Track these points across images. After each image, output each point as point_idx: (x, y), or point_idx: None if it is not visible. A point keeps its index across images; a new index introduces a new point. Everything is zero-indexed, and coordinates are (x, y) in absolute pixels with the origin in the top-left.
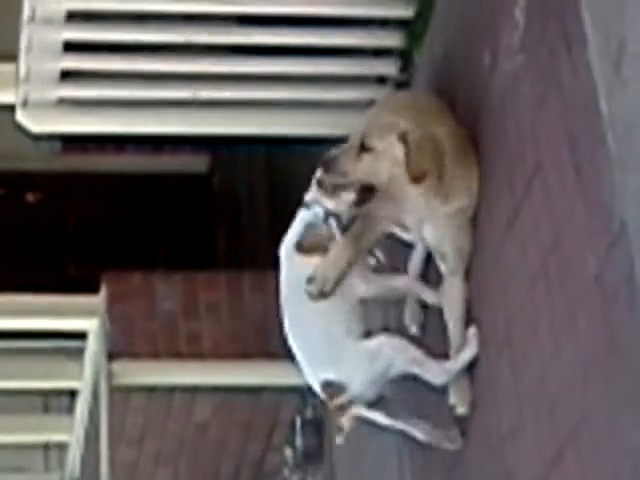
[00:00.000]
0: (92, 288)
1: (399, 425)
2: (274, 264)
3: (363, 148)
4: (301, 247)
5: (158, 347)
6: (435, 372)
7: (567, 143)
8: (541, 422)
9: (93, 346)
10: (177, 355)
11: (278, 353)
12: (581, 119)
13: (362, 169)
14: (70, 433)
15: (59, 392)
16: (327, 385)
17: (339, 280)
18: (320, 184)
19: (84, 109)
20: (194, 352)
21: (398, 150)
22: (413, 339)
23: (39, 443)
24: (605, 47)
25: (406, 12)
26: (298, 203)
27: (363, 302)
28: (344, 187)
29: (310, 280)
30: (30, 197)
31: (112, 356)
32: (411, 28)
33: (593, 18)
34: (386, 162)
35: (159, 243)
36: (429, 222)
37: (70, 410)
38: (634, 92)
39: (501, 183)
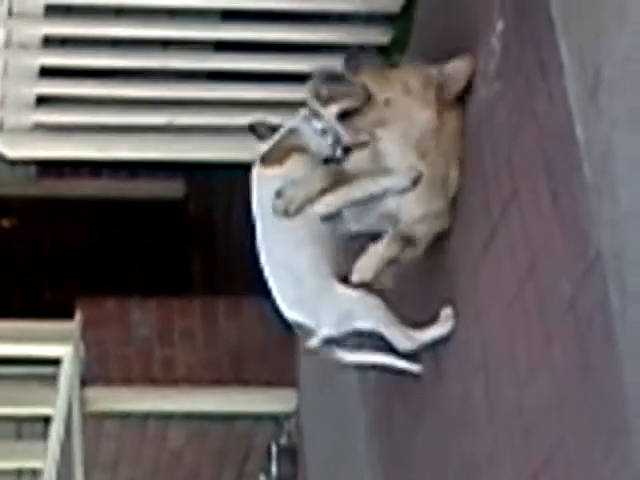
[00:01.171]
0: (67, 314)
1: (363, 357)
2: (250, 291)
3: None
4: (264, 160)
5: (132, 373)
6: (400, 338)
7: (543, 169)
8: (516, 447)
9: (67, 372)
10: (151, 381)
11: (252, 380)
12: (557, 146)
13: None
14: (43, 460)
15: (32, 418)
16: (297, 326)
17: (305, 203)
18: (317, 93)
19: (60, 134)
20: (168, 378)
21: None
22: (389, 300)
23: (12, 470)
24: (581, 74)
25: (383, 38)
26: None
27: (341, 244)
28: (341, 98)
29: (278, 194)
30: (5, 222)
31: (86, 382)
32: (388, 55)
33: (569, 45)
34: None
35: (134, 268)
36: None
37: (44, 436)
38: (610, 119)
39: (478, 208)
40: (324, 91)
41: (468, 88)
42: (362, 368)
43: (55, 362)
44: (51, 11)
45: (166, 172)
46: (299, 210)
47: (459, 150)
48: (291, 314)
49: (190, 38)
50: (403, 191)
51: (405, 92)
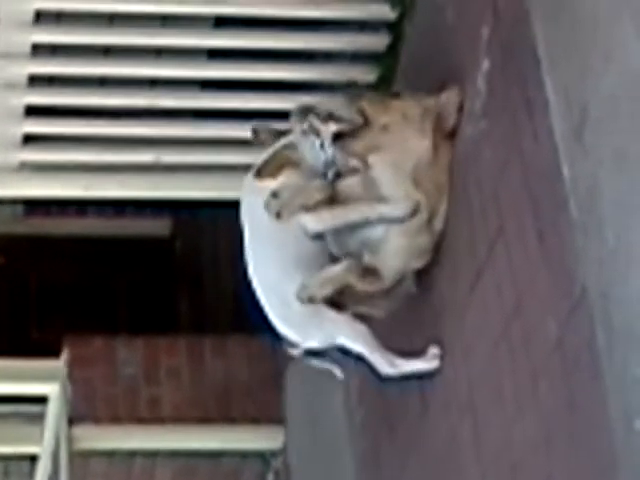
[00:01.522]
0: (54, 352)
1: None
2: (237, 329)
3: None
4: (259, 173)
5: (119, 412)
6: (384, 364)
7: (529, 207)
8: None
9: (54, 410)
10: (138, 420)
11: (239, 418)
12: (543, 184)
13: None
14: None
15: (19, 457)
16: (285, 339)
17: (299, 211)
18: (314, 111)
19: (46, 173)
20: (155, 416)
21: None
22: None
23: None
24: (567, 113)
25: (369, 77)
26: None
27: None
28: (339, 118)
29: (274, 195)
30: None
31: (73, 421)
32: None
33: (555, 84)
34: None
35: (121, 307)
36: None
37: (30, 475)
38: (596, 158)
39: (464, 246)
40: (324, 109)
41: (456, 125)
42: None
43: (42, 400)
44: (37, 50)
45: (153, 210)
46: (291, 215)
47: (449, 185)
48: (281, 329)
49: (177, 77)
50: (399, 220)
51: (403, 120)
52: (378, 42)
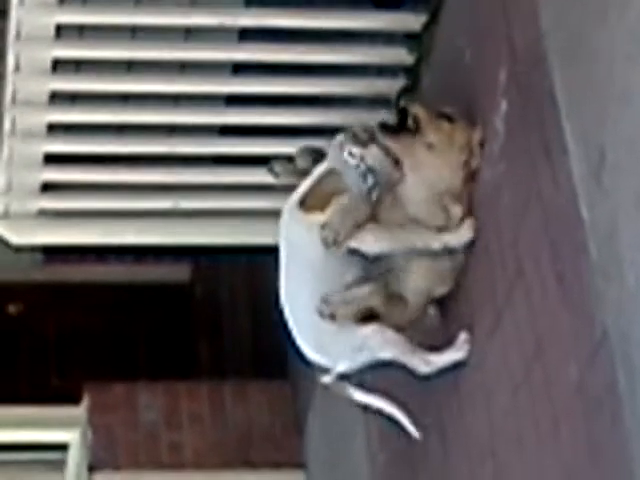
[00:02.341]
0: (74, 399)
1: (373, 400)
2: (256, 373)
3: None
4: (304, 204)
5: (140, 458)
6: (419, 364)
7: (549, 250)
8: None
9: (74, 458)
10: (159, 466)
11: (261, 463)
12: (562, 227)
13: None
14: None
15: None
16: (317, 366)
17: (353, 231)
18: (354, 135)
19: (65, 220)
20: (176, 463)
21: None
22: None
23: None
24: (585, 155)
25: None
26: (280, 312)
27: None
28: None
29: (324, 226)
30: (11, 308)
31: (93, 468)
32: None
33: (573, 128)
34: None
35: (141, 353)
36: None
37: None
38: (615, 201)
39: (482, 290)
40: (363, 134)
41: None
42: (367, 416)
43: (62, 447)
44: (55, 98)
45: (172, 256)
46: (348, 238)
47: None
48: (313, 356)
49: (195, 123)
50: (458, 250)
51: (449, 146)
52: (396, 86)
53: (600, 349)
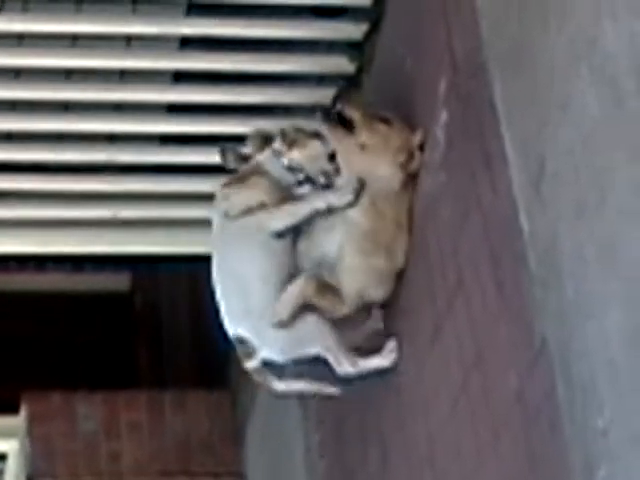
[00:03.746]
0: (12, 408)
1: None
2: (196, 382)
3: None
4: (227, 184)
5: (79, 468)
6: (344, 362)
7: (488, 260)
8: None
9: (13, 468)
10: (98, 475)
11: (200, 472)
12: (502, 237)
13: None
14: None
15: None
16: (240, 341)
17: (245, 210)
18: (283, 136)
19: (4, 229)
20: (115, 472)
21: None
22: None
23: None
24: (525, 165)
25: None
26: (220, 322)
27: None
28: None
29: (223, 197)
30: None
31: (32, 477)
32: None
33: (513, 137)
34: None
35: (80, 362)
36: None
37: None
38: (554, 211)
39: (423, 300)
40: (291, 135)
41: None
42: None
43: (1, 457)
44: None
45: (112, 266)
46: (239, 215)
47: (409, 226)
48: (236, 329)
49: (135, 132)
50: (347, 206)
51: (384, 147)
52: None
53: (539, 358)
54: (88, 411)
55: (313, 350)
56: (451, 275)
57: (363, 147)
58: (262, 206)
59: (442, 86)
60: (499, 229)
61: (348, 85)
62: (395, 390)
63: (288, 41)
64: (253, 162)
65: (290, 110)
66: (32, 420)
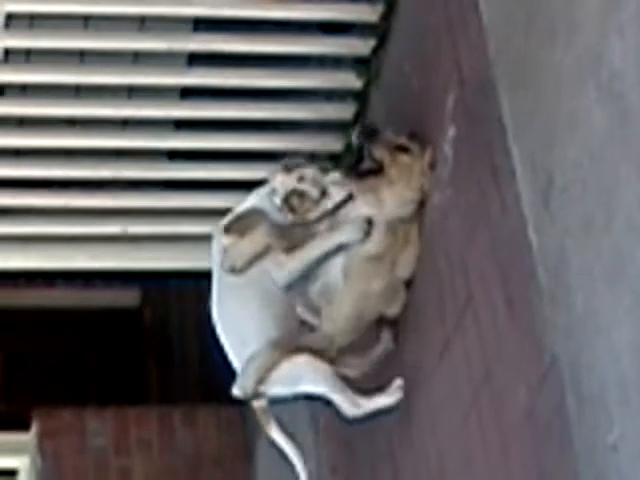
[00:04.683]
0: (23, 425)
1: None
2: (205, 398)
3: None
4: (227, 229)
5: None
6: (348, 404)
7: (498, 276)
8: None
9: None
10: None
11: None
12: (511, 252)
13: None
14: None
15: None
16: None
17: (252, 260)
18: (286, 167)
19: (13, 245)
20: None
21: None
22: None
23: None
24: (533, 181)
25: (335, 145)
26: None
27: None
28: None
29: (225, 251)
30: None
31: None
32: (341, 162)
33: (521, 152)
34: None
35: (90, 378)
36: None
37: None
38: (563, 226)
39: (432, 316)
40: (291, 164)
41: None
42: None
43: (11, 474)
44: (2, 123)
45: (121, 281)
46: (246, 266)
47: (418, 240)
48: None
49: (143, 148)
50: (358, 242)
51: (408, 175)
52: (344, 111)
53: (549, 374)
54: (98, 427)
55: (315, 390)
56: (460, 290)
57: (391, 182)
58: (268, 249)
59: (450, 102)
60: (508, 244)
61: (368, 126)
62: (404, 406)
63: (296, 57)
64: (249, 207)
65: (299, 126)
66: (42, 436)
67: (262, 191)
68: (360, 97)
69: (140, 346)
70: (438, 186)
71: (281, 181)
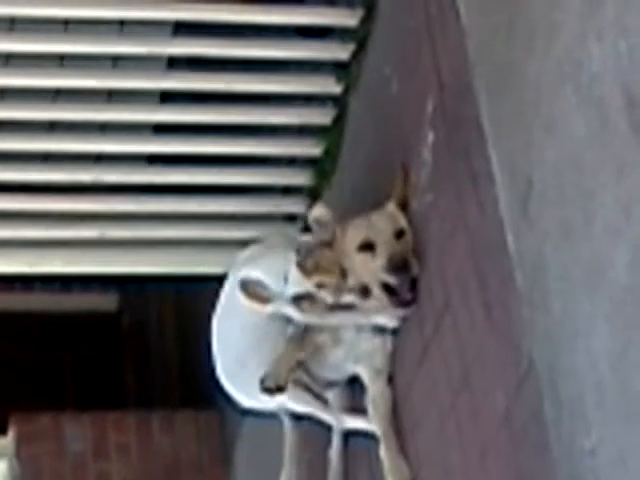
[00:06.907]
0: (0, 429)
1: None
2: (184, 402)
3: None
4: (245, 288)
5: None
6: (331, 421)
7: (476, 280)
8: None
9: None
10: None
11: None
12: (489, 257)
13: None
14: None
15: None
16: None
17: (290, 374)
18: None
19: None
20: None
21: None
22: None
23: None
24: (512, 185)
25: (314, 150)
26: (208, 343)
27: None
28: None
29: (264, 377)
30: None
31: None
32: (320, 166)
33: (500, 157)
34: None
35: (68, 383)
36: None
37: None
38: (541, 230)
39: (410, 322)
40: (309, 263)
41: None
42: None
43: None
44: None
45: (99, 286)
46: (288, 381)
47: None
48: (233, 393)
49: (122, 152)
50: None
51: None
52: (324, 116)
53: (526, 378)
54: (76, 432)
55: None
56: (438, 296)
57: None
58: (300, 362)
59: (429, 106)
60: (486, 249)
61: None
62: None
63: (275, 61)
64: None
65: (277, 130)
66: (20, 441)
67: (276, 264)
68: (340, 102)
69: (118, 350)
70: (417, 191)
71: (298, 279)
